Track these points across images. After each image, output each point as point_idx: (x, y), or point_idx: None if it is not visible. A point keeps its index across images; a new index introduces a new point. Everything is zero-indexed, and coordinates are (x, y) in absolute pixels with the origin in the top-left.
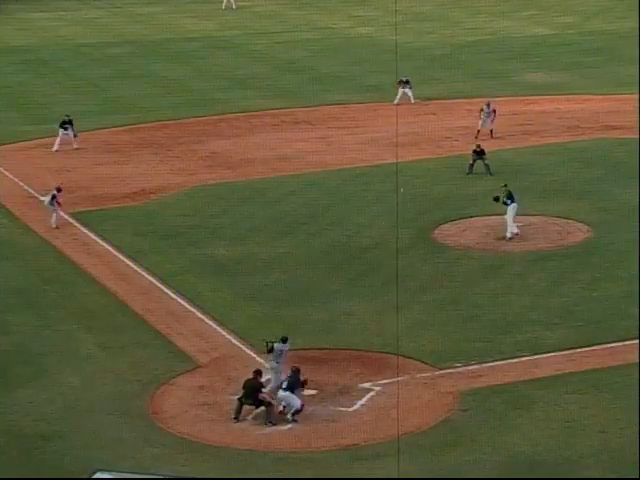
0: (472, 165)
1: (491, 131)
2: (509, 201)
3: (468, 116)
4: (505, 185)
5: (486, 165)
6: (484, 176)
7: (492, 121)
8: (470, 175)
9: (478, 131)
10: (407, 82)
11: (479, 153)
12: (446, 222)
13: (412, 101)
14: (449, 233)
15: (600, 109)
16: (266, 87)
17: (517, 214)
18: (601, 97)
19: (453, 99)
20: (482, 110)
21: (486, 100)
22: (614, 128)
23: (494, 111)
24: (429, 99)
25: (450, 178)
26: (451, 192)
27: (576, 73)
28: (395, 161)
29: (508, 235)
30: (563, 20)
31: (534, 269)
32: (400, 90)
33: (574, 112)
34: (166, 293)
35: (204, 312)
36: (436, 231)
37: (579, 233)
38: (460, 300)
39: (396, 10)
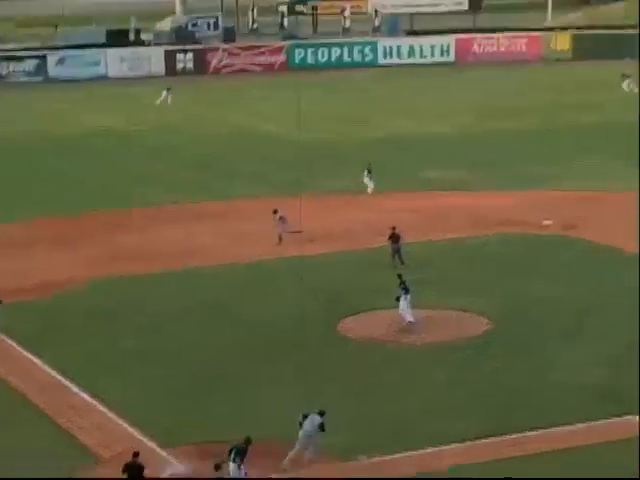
0: (394, 255)
1: (279, 236)
2: (403, 292)
3: (373, 210)
4: (400, 275)
5: (398, 255)
6: (393, 267)
7: (284, 226)
8: (393, 265)
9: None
10: (368, 171)
11: (394, 241)
12: (351, 315)
13: (369, 192)
14: (353, 326)
15: (500, 205)
16: (173, 182)
17: (415, 306)
18: (500, 194)
19: (357, 194)
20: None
21: (274, 208)
22: (514, 224)
23: (281, 218)
24: (336, 192)
25: (356, 270)
26: (356, 284)
27: (476, 170)
28: (300, 254)
29: (412, 320)
30: (462, 119)
31: (436, 360)
32: (366, 179)
33: (474, 208)
34: (67, 387)
35: (106, 405)
36: (340, 323)
37: (479, 325)
38: (364, 392)
39: (299, 110)
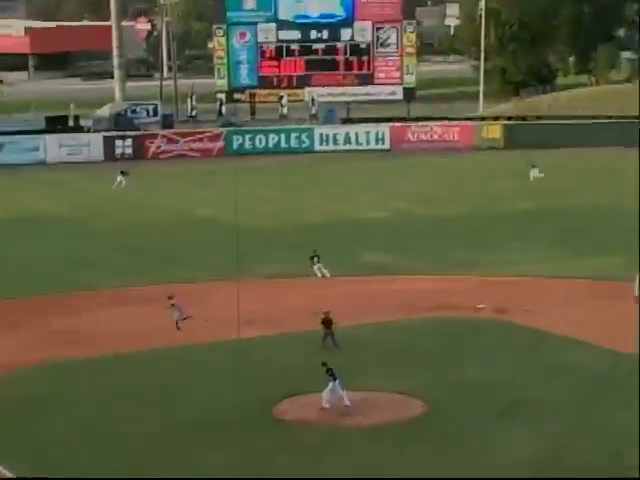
0: (325, 338)
1: (177, 322)
2: (331, 379)
3: (309, 294)
4: (324, 363)
5: (332, 337)
6: (325, 351)
7: (181, 312)
8: (324, 349)
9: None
10: (316, 257)
11: (327, 325)
12: (287, 397)
13: (318, 274)
14: (289, 408)
15: (434, 289)
16: (111, 266)
17: (349, 389)
18: (435, 278)
19: (292, 277)
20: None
21: (169, 294)
22: (448, 308)
23: (173, 304)
24: (273, 277)
25: (291, 354)
26: (292, 367)
27: (411, 255)
28: (238, 337)
29: (347, 403)
30: (397, 205)
31: (372, 443)
32: (316, 267)
33: (409, 292)
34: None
35: None
36: (276, 406)
37: (414, 408)
38: (302, 475)
39: (237, 195)
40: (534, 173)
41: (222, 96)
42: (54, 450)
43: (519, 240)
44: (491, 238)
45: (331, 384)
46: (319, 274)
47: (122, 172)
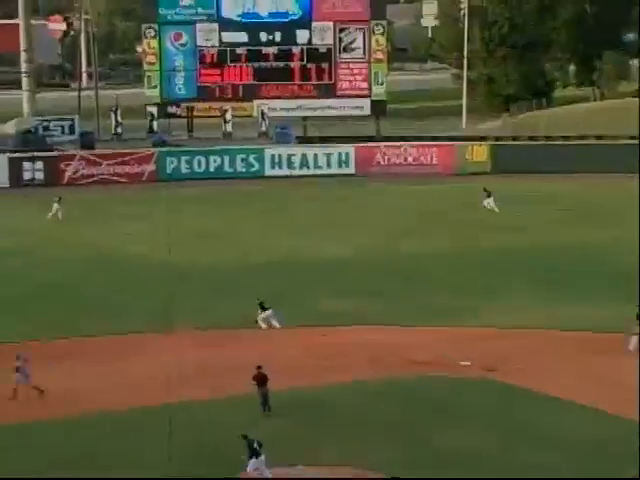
0: (262, 401)
1: (15, 389)
2: (253, 457)
3: (257, 348)
4: (245, 436)
5: (265, 399)
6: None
7: (28, 378)
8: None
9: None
10: (261, 304)
11: (260, 382)
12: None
13: (263, 326)
14: None
15: (406, 342)
16: (20, 314)
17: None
18: (407, 329)
19: (236, 328)
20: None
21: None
22: (425, 364)
23: (19, 368)
24: (213, 328)
25: (230, 421)
26: (230, 438)
27: (379, 300)
28: (166, 402)
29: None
30: (366, 240)
31: None
32: (260, 316)
33: (378, 345)
34: None
35: None
36: None
37: None
38: None
39: (169, 227)
40: (488, 203)
41: (153, 110)
42: None
43: (505, 283)
44: (474, 281)
45: (252, 461)
46: (264, 325)
47: (59, 199)
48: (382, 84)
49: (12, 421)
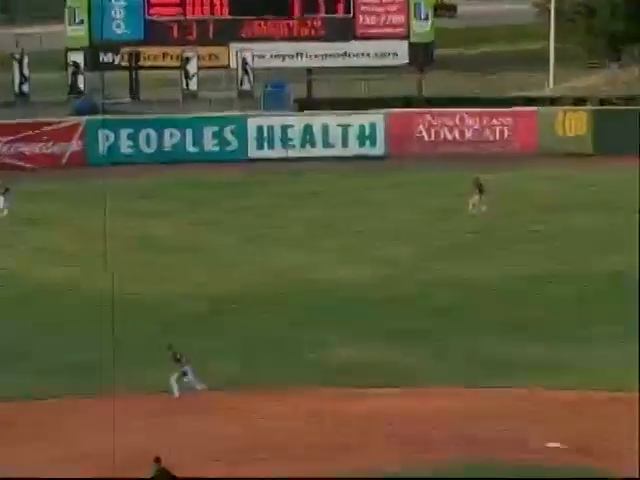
0: None
1: None
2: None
3: (222, 419)
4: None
5: None
6: None
7: None
8: None
9: None
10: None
11: None
12: None
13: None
14: None
15: (456, 410)
16: None
17: None
18: (458, 390)
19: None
20: None
21: None
22: (490, 445)
23: None
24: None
25: None
26: None
27: (414, 348)
28: None
29: None
30: (395, 258)
31: None
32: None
33: (413, 415)
34: None
35: None
36: None
37: None
38: None
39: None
40: (475, 201)
41: (78, 58)
42: None
43: (605, 323)
44: (558, 320)
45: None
46: (175, 390)
47: (5, 190)
48: (427, 19)
49: None
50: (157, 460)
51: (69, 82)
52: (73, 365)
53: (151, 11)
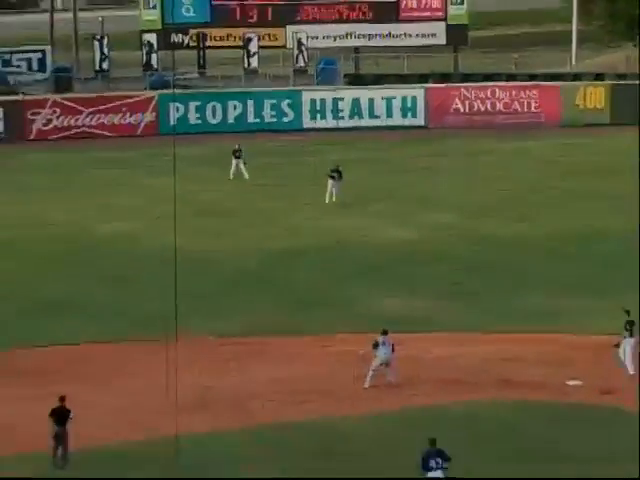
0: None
1: None
2: None
3: (295, 361)
4: None
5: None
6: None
7: None
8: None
9: None
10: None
11: (59, 420)
12: None
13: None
14: None
15: (491, 355)
16: None
17: None
18: (492, 337)
19: (259, 335)
20: None
21: None
22: (513, 385)
23: None
24: (228, 336)
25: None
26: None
27: (453, 300)
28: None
29: None
30: (435, 220)
31: None
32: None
33: (453, 359)
34: None
35: None
36: None
37: None
38: None
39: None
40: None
41: (152, 38)
42: None
43: (626, 278)
44: (587, 275)
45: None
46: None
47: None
48: (462, 3)
49: None
50: (61, 398)
51: (143, 60)
52: (137, 314)
53: None
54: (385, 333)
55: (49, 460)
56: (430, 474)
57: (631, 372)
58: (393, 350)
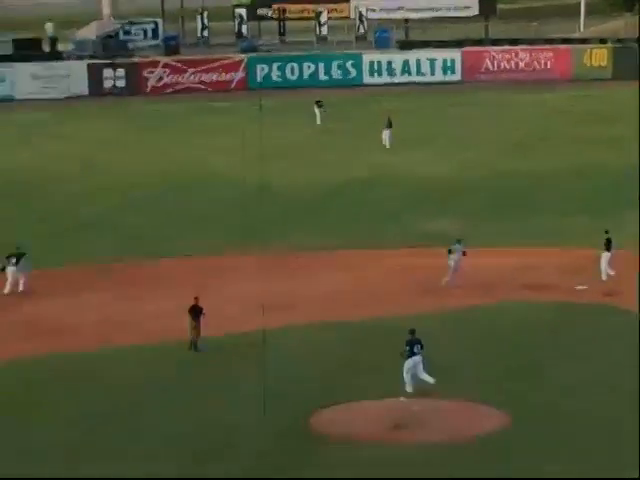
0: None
1: None
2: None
3: (352, 270)
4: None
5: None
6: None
7: None
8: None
9: None
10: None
11: (194, 315)
12: (329, 406)
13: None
14: (332, 419)
15: (516, 265)
16: (107, 230)
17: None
18: (519, 250)
19: (326, 249)
20: None
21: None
22: (535, 289)
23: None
24: (300, 250)
25: (337, 347)
26: (336, 365)
27: (481, 221)
28: (262, 327)
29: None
30: (468, 157)
31: (433, 466)
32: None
33: (483, 268)
34: None
35: None
36: (315, 417)
37: (492, 420)
38: None
39: (262, 143)
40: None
41: (242, 12)
42: None
43: (628, 204)
44: (592, 200)
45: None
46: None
47: (319, 102)
48: None
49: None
50: (195, 299)
51: (236, 29)
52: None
53: None
54: (459, 242)
55: (186, 346)
56: (414, 358)
57: (604, 278)
58: (464, 254)
